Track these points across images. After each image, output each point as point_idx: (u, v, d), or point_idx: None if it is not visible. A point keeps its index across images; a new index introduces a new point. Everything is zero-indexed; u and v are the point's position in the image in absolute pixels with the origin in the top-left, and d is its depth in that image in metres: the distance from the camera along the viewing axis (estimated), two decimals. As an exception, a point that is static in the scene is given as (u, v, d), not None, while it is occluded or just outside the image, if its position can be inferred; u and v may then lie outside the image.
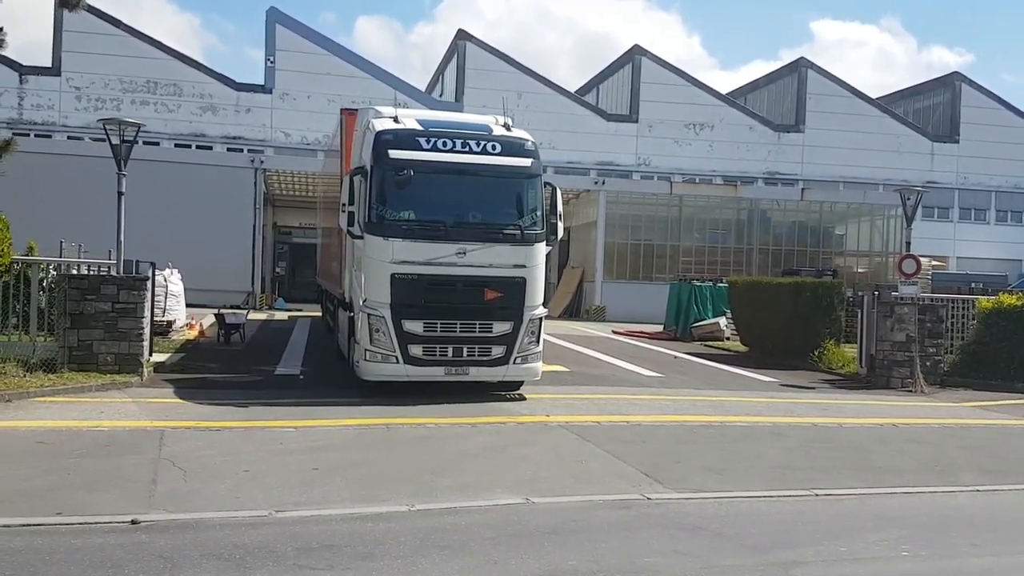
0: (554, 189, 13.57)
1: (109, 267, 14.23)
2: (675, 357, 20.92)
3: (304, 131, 41.21)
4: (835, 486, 8.95)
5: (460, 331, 12.76)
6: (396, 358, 12.57)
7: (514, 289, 12.91)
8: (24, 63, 39.50)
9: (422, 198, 12.78)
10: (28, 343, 13.05)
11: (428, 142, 12.79)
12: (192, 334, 20.91)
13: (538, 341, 13.26)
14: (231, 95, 41.19)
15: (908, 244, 18.01)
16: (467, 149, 12.87)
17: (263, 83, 41.52)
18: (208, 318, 22.91)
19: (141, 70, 39.89)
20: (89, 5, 17.77)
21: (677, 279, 29.13)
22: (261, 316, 27.70)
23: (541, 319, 13.29)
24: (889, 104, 51.01)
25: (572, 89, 48.50)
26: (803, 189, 39.97)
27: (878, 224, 38.58)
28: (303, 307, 31.78)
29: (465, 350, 12.80)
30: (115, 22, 39.40)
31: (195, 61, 41.84)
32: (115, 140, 13.47)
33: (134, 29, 40.38)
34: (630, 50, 46.71)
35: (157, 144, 36.50)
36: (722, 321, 26.00)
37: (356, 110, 15.40)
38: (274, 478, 8.24)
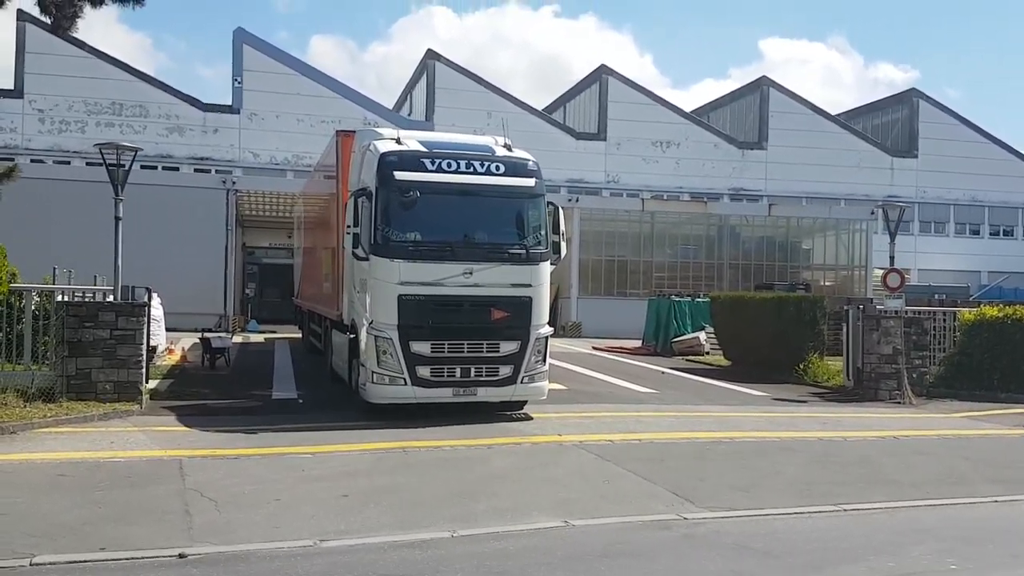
0: (556, 208, 13.60)
1: (104, 293, 13.93)
2: (663, 373, 21.05)
3: (273, 151, 40.95)
4: (860, 500, 9.02)
5: (468, 351, 12.70)
6: (404, 380, 12.46)
7: (520, 308, 12.90)
8: (-15, 85, 38.82)
9: (428, 219, 12.75)
10: (25, 372, 12.69)
11: (433, 163, 12.77)
12: (174, 359, 20.54)
13: (544, 360, 13.25)
14: (198, 116, 40.77)
15: (892, 258, 18.34)
16: (472, 170, 12.88)
17: (230, 103, 41.16)
18: (185, 341, 22.53)
19: (106, 91, 39.32)
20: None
21: (655, 294, 29.32)
22: (237, 339, 27.30)
23: (547, 338, 13.30)
24: (849, 120, 52.15)
25: (538, 108, 48.80)
26: (770, 205, 40.56)
27: (843, 238, 39.30)
28: (276, 328, 31.41)
29: (473, 370, 12.73)
30: (79, 43, 38.45)
31: (161, 82, 41.33)
32: (112, 164, 13.23)
33: (98, 50, 39.74)
34: (597, 69, 47.27)
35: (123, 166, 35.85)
36: (702, 336, 26.21)
37: (352, 132, 15.32)
38: (308, 507, 8.12)
